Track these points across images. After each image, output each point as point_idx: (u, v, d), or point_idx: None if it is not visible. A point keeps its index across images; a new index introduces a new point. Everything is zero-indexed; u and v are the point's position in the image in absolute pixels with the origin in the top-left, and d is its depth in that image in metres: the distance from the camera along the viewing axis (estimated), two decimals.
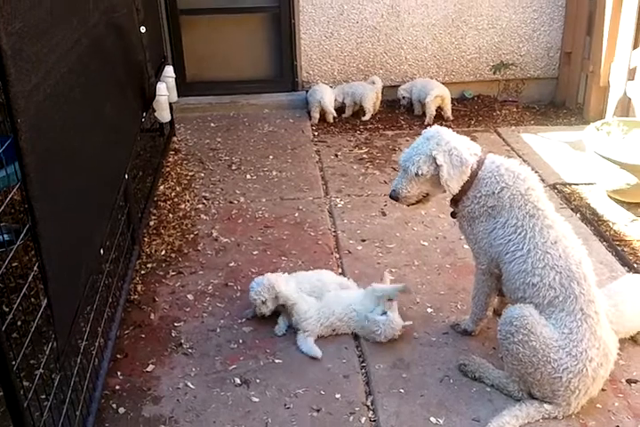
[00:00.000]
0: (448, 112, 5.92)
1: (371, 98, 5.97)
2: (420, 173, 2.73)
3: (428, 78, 6.17)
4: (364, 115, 6.01)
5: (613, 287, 3.07)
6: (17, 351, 2.05)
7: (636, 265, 3.62)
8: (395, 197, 2.83)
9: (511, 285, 2.73)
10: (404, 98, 6.08)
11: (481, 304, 3.01)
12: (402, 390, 2.78)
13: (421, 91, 5.91)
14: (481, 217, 2.77)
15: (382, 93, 6.11)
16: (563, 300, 2.57)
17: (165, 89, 4.71)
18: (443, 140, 2.73)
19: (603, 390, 2.74)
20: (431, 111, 5.85)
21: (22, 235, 2.19)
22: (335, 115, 5.95)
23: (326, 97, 5.89)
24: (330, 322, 3.09)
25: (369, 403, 2.74)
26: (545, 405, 2.60)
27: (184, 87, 5.92)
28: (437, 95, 5.79)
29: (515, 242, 2.68)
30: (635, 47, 5.26)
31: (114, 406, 2.74)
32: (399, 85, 6.17)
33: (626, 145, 4.36)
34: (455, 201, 2.85)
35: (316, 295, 3.26)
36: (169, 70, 5.04)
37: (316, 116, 5.93)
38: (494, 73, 6.33)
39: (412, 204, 2.88)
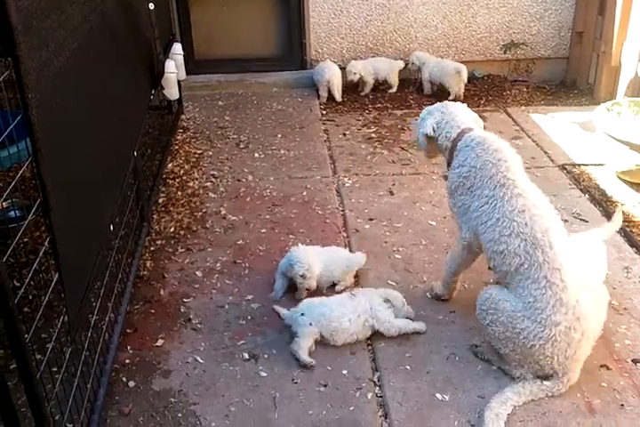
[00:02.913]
0: (461, 90, 5.89)
1: (396, 73, 6.05)
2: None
3: (440, 58, 6.10)
4: (390, 88, 6.08)
5: None
6: (29, 325, 2.08)
7: None
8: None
9: (486, 255, 2.82)
10: (413, 64, 5.97)
11: (451, 272, 3.13)
12: (408, 367, 2.81)
13: (433, 70, 5.85)
14: (458, 189, 2.90)
15: None
16: (528, 267, 2.61)
17: (174, 66, 4.69)
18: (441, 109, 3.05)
19: (608, 369, 2.77)
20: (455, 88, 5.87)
21: (33, 210, 2.21)
22: (340, 99, 5.92)
23: (335, 78, 5.85)
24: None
25: (375, 379, 2.77)
26: (545, 382, 2.63)
27: (192, 65, 5.90)
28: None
29: (487, 212, 2.76)
30: None
31: (124, 379, 2.78)
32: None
33: (636, 126, 4.33)
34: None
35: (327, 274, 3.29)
36: (177, 48, 5.02)
37: (325, 95, 5.90)
38: (505, 52, 6.27)
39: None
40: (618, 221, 3.42)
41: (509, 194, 2.71)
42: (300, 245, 3.37)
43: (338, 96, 5.91)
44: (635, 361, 2.83)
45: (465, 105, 3.13)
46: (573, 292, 2.56)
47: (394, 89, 6.09)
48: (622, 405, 2.61)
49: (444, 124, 3.00)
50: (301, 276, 3.17)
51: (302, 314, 2.93)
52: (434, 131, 3.02)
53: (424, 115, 3.11)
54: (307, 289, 3.21)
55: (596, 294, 2.72)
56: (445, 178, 3.10)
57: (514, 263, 2.64)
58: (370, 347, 2.95)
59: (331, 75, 5.83)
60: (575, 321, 2.55)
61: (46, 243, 2.19)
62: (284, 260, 3.32)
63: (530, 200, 2.70)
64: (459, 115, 3.01)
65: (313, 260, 3.21)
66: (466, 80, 5.81)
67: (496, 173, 2.76)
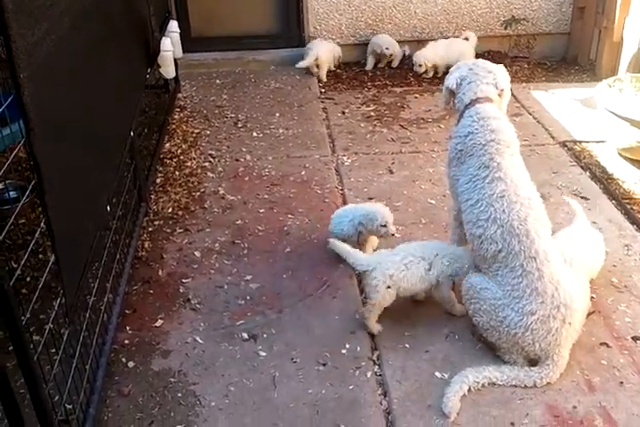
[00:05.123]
0: None
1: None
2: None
3: (447, 39, 5.96)
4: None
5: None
6: (26, 307, 2.07)
7: None
8: None
9: (467, 237, 2.80)
10: (420, 66, 5.77)
11: None
12: (407, 346, 2.81)
13: (444, 59, 5.72)
14: (453, 160, 2.85)
15: None
16: (505, 255, 2.59)
17: (170, 44, 4.64)
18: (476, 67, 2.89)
19: (608, 346, 2.77)
20: None
21: (28, 191, 2.19)
22: (324, 79, 5.85)
23: (323, 55, 5.80)
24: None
25: (375, 358, 2.77)
26: (533, 369, 2.62)
27: (189, 43, 5.82)
28: None
29: (468, 191, 2.73)
30: None
31: (123, 360, 2.78)
32: (408, 41, 6.09)
33: (638, 102, 4.29)
34: None
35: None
36: (173, 25, 4.95)
37: (315, 70, 5.86)
38: (505, 28, 6.18)
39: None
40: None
41: (491, 177, 2.66)
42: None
43: (322, 74, 5.86)
44: (635, 339, 2.83)
45: (501, 66, 2.93)
46: (550, 280, 2.54)
47: (395, 63, 6.09)
48: (622, 382, 2.61)
49: (465, 83, 2.86)
50: (383, 226, 3.23)
51: (389, 287, 2.82)
52: (456, 86, 2.88)
53: (454, 68, 2.96)
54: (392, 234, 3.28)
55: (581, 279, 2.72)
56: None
57: (491, 249, 2.63)
58: None
59: (317, 51, 5.77)
60: (554, 309, 2.53)
61: (42, 224, 2.17)
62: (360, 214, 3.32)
63: (511, 187, 2.64)
64: (483, 80, 2.83)
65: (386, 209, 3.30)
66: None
67: (484, 154, 2.70)
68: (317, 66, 5.84)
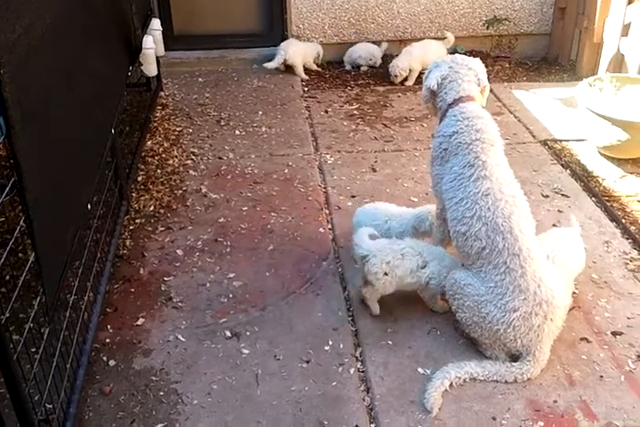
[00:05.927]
0: None
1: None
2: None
3: (420, 42, 5.90)
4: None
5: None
6: (5, 306, 2.05)
7: (624, 220, 3.64)
8: None
9: (450, 234, 2.82)
10: (396, 77, 5.70)
11: None
12: (390, 342, 2.82)
13: (424, 59, 5.64)
14: (437, 159, 2.86)
15: None
16: (489, 252, 2.61)
17: (152, 42, 4.60)
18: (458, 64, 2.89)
19: (588, 341, 2.80)
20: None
21: (7, 189, 2.16)
22: (304, 77, 5.87)
23: (296, 56, 5.82)
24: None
25: (358, 354, 2.78)
26: (515, 364, 2.64)
27: (171, 41, 5.81)
28: None
29: (453, 189, 2.73)
30: (629, 3, 5.18)
31: (104, 358, 2.76)
32: (391, 40, 6.11)
33: (618, 101, 4.33)
34: None
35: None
36: (156, 23, 4.92)
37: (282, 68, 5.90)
38: (487, 28, 6.23)
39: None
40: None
41: (476, 175, 2.67)
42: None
43: (300, 73, 5.88)
44: (614, 333, 2.86)
45: (478, 60, 2.94)
46: (533, 278, 2.56)
47: (378, 63, 6.11)
48: (602, 376, 2.64)
49: (447, 82, 2.85)
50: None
51: (386, 274, 2.85)
52: (437, 86, 2.87)
53: (432, 66, 2.94)
54: None
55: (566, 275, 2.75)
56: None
57: (475, 246, 2.64)
58: (352, 323, 2.95)
59: (285, 53, 5.79)
60: (536, 306, 2.55)
61: (22, 222, 2.15)
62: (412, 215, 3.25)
63: (495, 185, 2.65)
64: (464, 78, 2.84)
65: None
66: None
67: (469, 153, 2.70)
68: (289, 66, 5.85)
